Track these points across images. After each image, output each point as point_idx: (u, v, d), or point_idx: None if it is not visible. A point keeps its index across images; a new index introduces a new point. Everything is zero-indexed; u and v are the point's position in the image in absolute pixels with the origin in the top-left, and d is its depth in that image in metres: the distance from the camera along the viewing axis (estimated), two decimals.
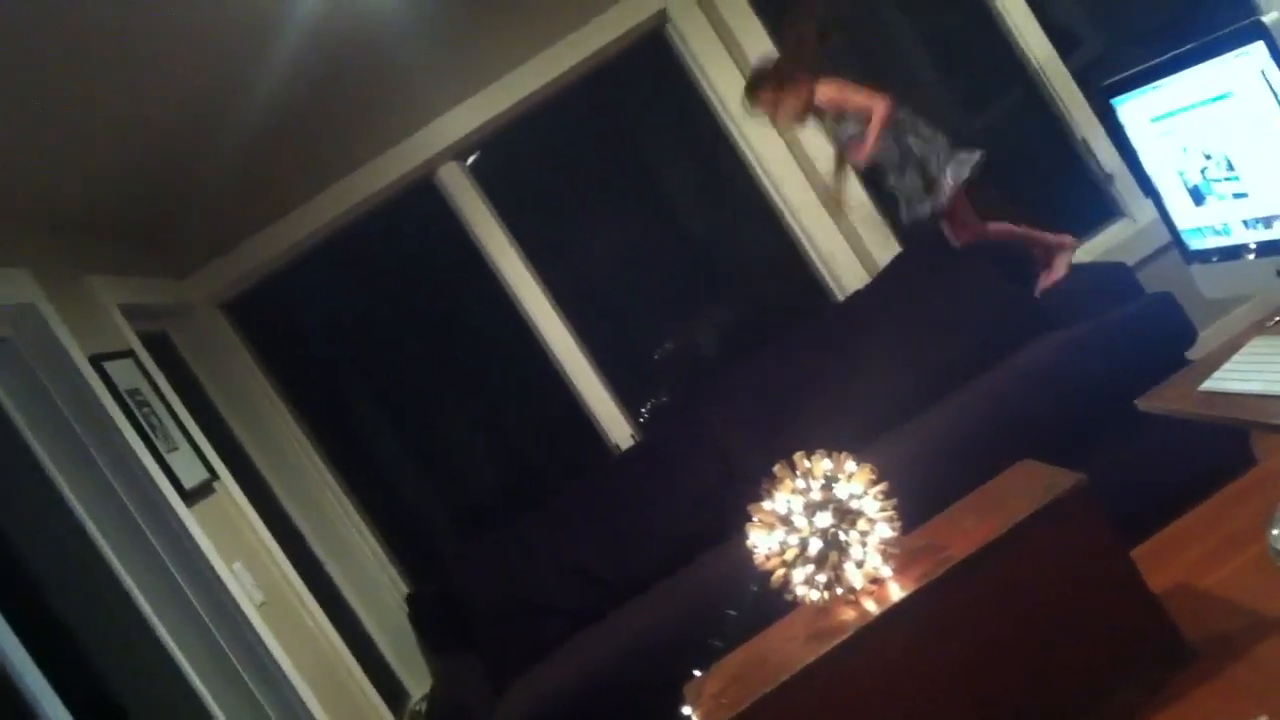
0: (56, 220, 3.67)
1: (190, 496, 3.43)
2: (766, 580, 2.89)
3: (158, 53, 3.04)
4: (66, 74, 2.86)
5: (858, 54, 5.12)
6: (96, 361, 3.33)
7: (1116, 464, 3.48)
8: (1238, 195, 2.18)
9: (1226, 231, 2.28)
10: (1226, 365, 2.20)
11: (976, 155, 4.05)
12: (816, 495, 2.82)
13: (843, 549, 2.81)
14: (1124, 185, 4.73)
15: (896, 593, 2.77)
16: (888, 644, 2.75)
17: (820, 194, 4.70)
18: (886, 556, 2.82)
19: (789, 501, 2.84)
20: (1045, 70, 4.75)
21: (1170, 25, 4.75)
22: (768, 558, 2.88)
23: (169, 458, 3.44)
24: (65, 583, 3.15)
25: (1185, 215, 2.39)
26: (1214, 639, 2.79)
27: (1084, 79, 4.73)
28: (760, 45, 4.65)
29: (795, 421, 4.07)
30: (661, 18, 4.70)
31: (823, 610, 2.91)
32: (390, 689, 4.30)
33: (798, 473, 2.86)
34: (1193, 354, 3.64)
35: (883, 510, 2.83)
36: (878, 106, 4.06)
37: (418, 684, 4.49)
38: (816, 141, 4.68)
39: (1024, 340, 4.01)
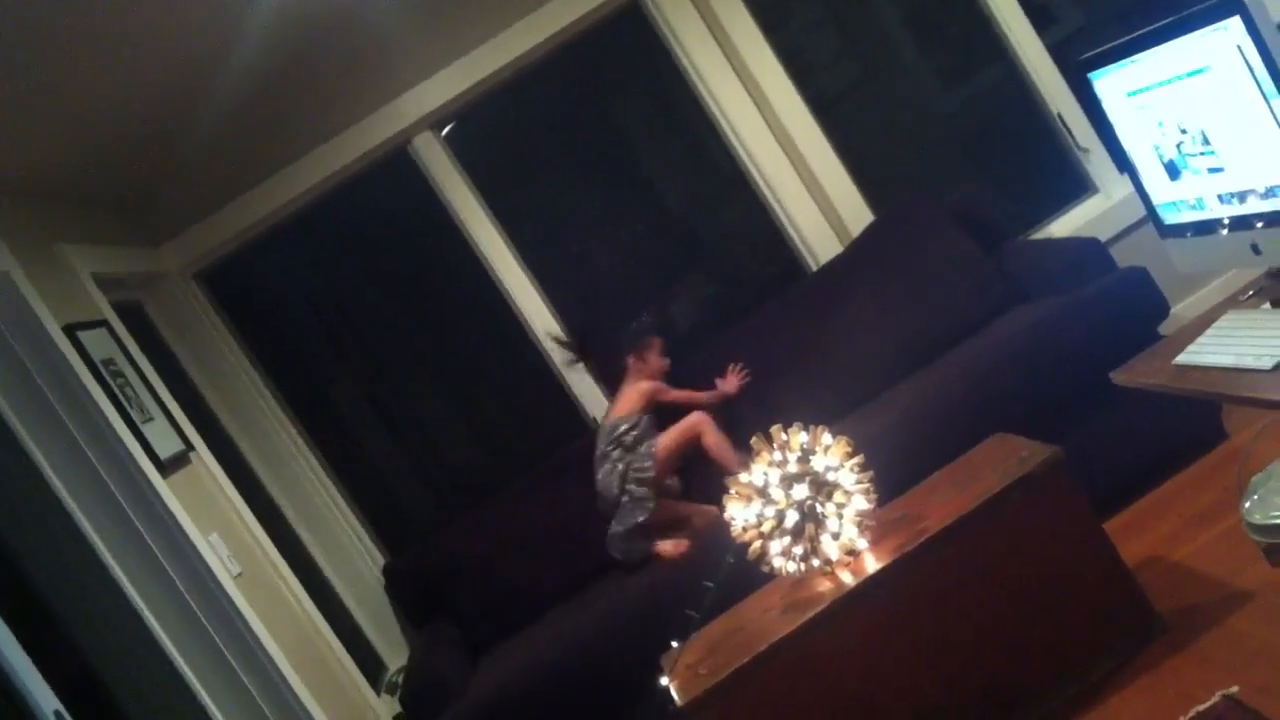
0: (29, 188, 3.64)
1: (165, 467, 3.42)
2: (743, 552, 2.91)
3: (131, 21, 3.01)
4: (38, 43, 2.83)
5: (836, 28, 5.12)
6: (70, 331, 3.31)
7: (1089, 437, 3.52)
8: (1213, 170, 2.20)
9: (1201, 206, 2.29)
10: (1200, 339, 2.22)
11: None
12: (793, 468, 2.85)
13: (819, 521, 2.83)
14: (1098, 160, 4.75)
15: (872, 565, 2.80)
16: (864, 615, 2.77)
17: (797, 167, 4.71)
18: (862, 529, 2.85)
19: (766, 474, 2.86)
20: (1022, 46, 4.75)
21: (1147, 5, 4.75)
22: (745, 530, 2.90)
23: (144, 428, 3.43)
24: (40, 554, 3.14)
25: (1160, 190, 2.41)
26: (1186, 611, 2.83)
27: (1060, 53, 4.74)
28: (736, 14, 4.64)
29: (771, 394, 4.09)
30: None
31: (799, 582, 2.93)
32: (368, 660, 4.31)
33: (775, 445, 2.88)
34: (1165, 329, 3.67)
35: (859, 483, 2.85)
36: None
37: (395, 656, 4.50)
38: (793, 113, 4.68)
39: (997, 313, 4.03)
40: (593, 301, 4.95)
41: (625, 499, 3.95)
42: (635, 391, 4.09)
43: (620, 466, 3.97)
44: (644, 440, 4.00)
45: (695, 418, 3.99)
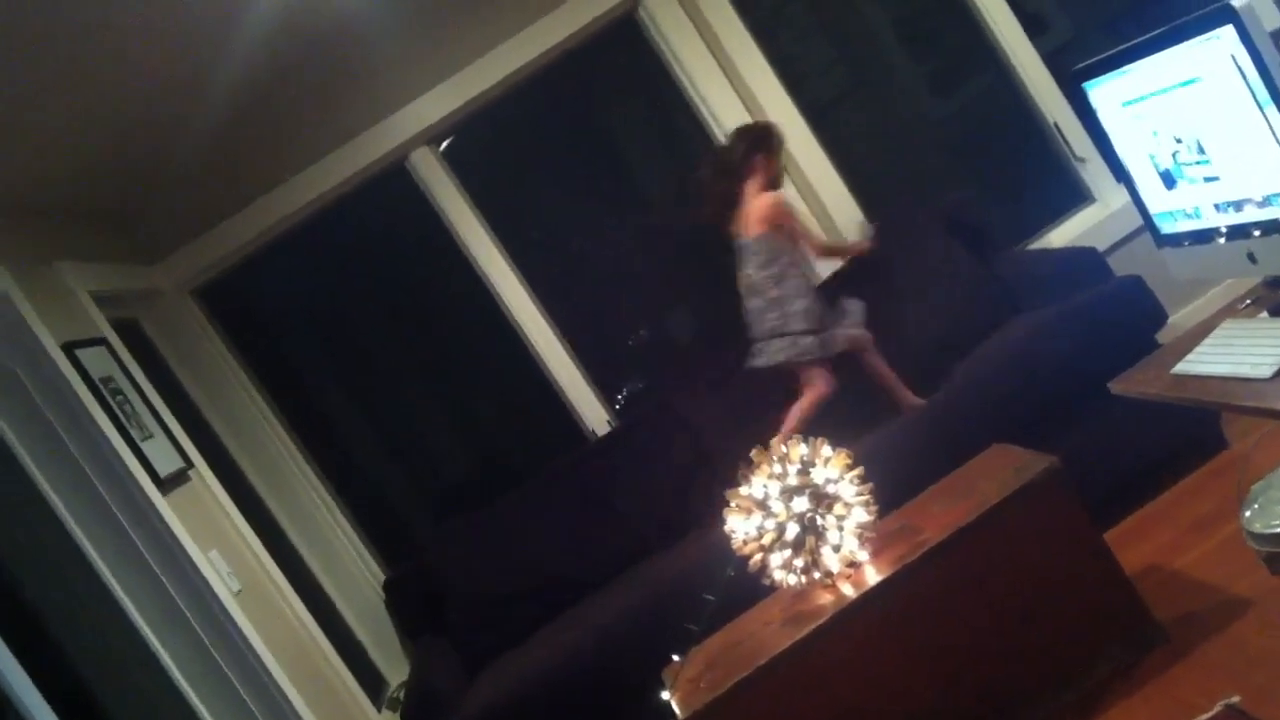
0: (25, 207, 3.65)
1: (165, 484, 3.42)
2: (744, 565, 2.91)
3: (127, 37, 3.01)
4: (34, 62, 2.84)
5: (830, 37, 5.13)
6: (69, 349, 3.31)
7: (1088, 446, 3.52)
8: (1209, 179, 2.20)
9: (1197, 215, 2.30)
10: (1198, 348, 2.22)
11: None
12: (793, 480, 2.84)
13: (820, 533, 2.83)
14: (1094, 170, 4.76)
15: (873, 576, 2.79)
16: (864, 627, 2.77)
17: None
18: (863, 540, 2.84)
19: (766, 486, 2.85)
20: (1016, 54, 4.76)
21: (1141, 9, 4.77)
22: (745, 542, 2.90)
23: (143, 446, 3.42)
24: (39, 571, 3.14)
25: (1157, 199, 2.41)
26: (1186, 620, 2.82)
27: (1055, 63, 4.75)
28: (730, 26, 4.65)
29: (768, 412, 4.08)
30: (633, 1, 4.69)
31: (800, 594, 2.93)
32: (368, 676, 4.30)
33: (775, 458, 2.88)
34: (1162, 338, 3.67)
35: (859, 495, 2.85)
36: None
37: (395, 671, 4.49)
38: (787, 121, 4.69)
39: (994, 323, 4.03)
40: (591, 313, 4.95)
41: (779, 341, 3.90)
42: (762, 204, 3.94)
43: (755, 315, 3.94)
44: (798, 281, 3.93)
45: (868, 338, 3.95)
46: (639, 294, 5.11)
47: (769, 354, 3.92)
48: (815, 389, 3.89)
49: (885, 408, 3.95)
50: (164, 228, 4.52)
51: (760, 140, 4.04)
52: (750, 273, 3.95)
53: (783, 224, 3.95)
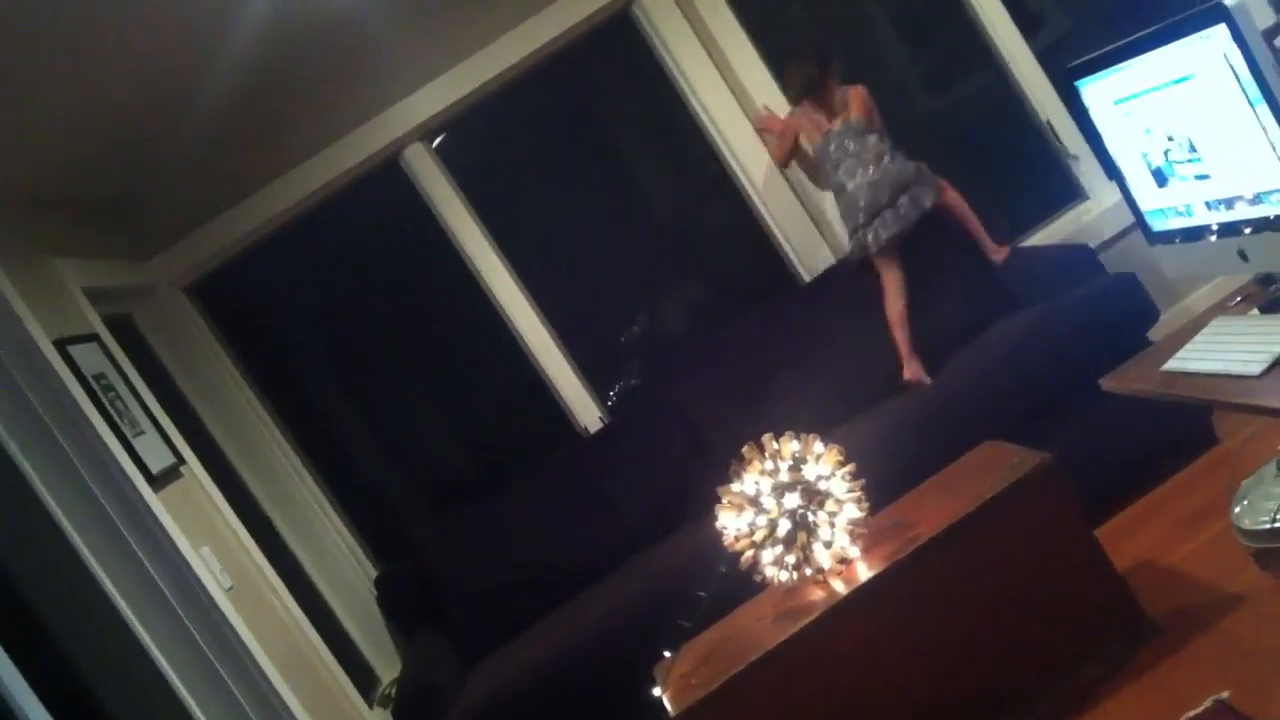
0: (17, 203, 3.64)
1: (157, 481, 3.41)
2: (735, 561, 2.92)
3: (120, 32, 3.00)
4: (28, 56, 2.83)
5: (824, 36, 5.13)
6: (61, 345, 3.30)
7: (1080, 443, 3.53)
8: (1200, 177, 2.21)
9: (1189, 213, 2.30)
10: (1189, 345, 2.23)
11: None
12: (785, 476, 2.85)
13: (811, 530, 2.83)
14: (1087, 167, 4.76)
15: (864, 573, 2.81)
16: (856, 623, 2.78)
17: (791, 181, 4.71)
18: (854, 537, 2.85)
19: (758, 483, 2.86)
20: (1010, 52, 4.76)
21: (1134, 7, 4.77)
22: (737, 539, 2.91)
23: (135, 442, 3.42)
24: (31, 568, 3.13)
25: (1148, 197, 2.42)
26: (1177, 615, 2.84)
27: (1048, 61, 4.75)
28: (725, 23, 4.65)
29: (764, 403, 4.09)
30: None
31: (791, 591, 2.94)
32: (360, 673, 4.30)
33: (766, 454, 2.89)
34: (1154, 334, 3.68)
35: (850, 491, 2.86)
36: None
37: (387, 668, 4.49)
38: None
39: (988, 320, 4.04)
40: (584, 310, 4.95)
41: (904, 200, 4.10)
42: (860, 96, 4.27)
43: (895, 167, 4.13)
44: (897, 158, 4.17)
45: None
46: (633, 290, 5.11)
47: (923, 196, 4.12)
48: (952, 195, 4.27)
49: (877, 394, 3.96)
50: (157, 224, 4.50)
51: (821, 50, 4.42)
52: (861, 148, 4.18)
53: (873, 115, 4.29)
